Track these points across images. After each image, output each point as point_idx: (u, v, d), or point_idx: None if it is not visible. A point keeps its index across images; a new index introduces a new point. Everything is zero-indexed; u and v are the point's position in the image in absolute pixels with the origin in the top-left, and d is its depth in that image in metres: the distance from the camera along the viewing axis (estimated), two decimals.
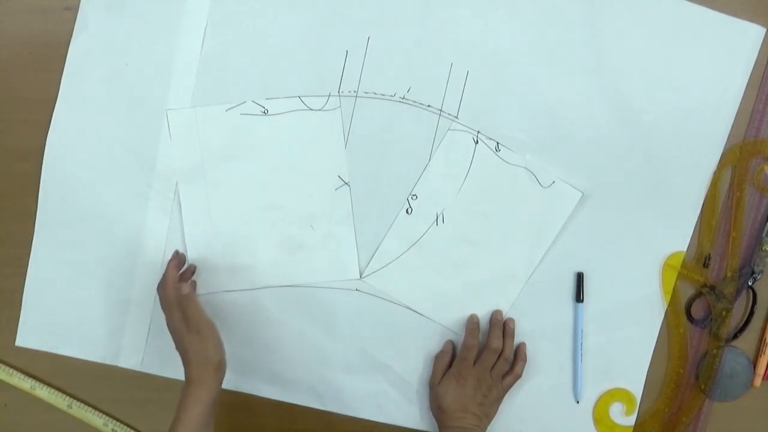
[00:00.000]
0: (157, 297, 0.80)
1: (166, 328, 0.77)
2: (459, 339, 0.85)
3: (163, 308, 0.78)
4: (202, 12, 0.81)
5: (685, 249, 0.84)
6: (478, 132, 0.83)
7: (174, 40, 0.82)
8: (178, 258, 0.82)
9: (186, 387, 0.74)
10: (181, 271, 0.81)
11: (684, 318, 0.85)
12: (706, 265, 0.85)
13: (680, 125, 0.82)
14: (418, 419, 0.87)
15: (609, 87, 0.82)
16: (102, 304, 0.85)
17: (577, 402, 0.86)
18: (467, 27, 0.82)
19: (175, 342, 0.76)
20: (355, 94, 0.82)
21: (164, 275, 0.79)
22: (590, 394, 0.86)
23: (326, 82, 0.82)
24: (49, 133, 0.83)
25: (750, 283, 0.84)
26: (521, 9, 0.81)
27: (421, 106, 0.82)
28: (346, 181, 0.84)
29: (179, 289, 0.76)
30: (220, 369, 0.74)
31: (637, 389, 0.86)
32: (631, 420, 0.87)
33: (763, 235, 0.84)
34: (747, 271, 0.84)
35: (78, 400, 0.86)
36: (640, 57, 0.82)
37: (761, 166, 0.84)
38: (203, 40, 0.82)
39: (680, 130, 0.82)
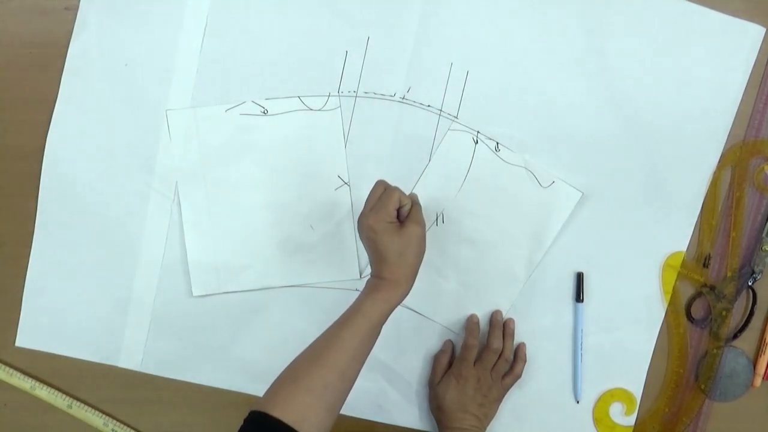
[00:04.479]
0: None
1: (360, 230, 0.74)
2: (459, 339, 0.85)
3: (367, 203, 0.73)
4: (202, 12, 0.82)
5: (685, 249, 0.84)
6: (478, 132, 0.83)
7: (174, 40, 0.82)
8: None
9: (376, 285, 0.71)
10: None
11: (684, 318, 0.85)
12: (706, 265, 0.85)
13: (680, 125, 0.82)
14: (418, 419, 0.87)
15: (609, 87, 0.82)
16: (102, 304, 0.85)
17: (577, 402, 0.86)
18: (467, 27, 0.81)
19: (367, 239, 0.72)
20: (354, 94, 0.82)
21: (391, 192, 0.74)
22: (590, 394, 0.86)
23: (326, 82, 0.82)
24: (49, 133, 0.83)
25: (750, 283, 0.84)
26: (521, 9, 0.81)
27: (421, 106, 0.82)
28: (346, 181, 0.84)
29: (413, 195, 0.74)
30: (416, 273, 0.73)
31: (637, 389, 0.86)
32: (631, 420, 0.87)
33: (763, 235, 0.83)
34: (747, 271, 0.84)
35: (78, 400, 0.86)
36: (640, 57, 0.82)
37: (761, 166, 0.84)
38: (203, 40, 0.82)
39: (680, 130, 0.82)
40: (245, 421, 0.64)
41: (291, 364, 0.68)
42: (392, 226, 0.72)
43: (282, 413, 0.62)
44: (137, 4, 0.81)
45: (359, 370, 0.70)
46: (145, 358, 0.86)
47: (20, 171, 0.84)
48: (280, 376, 0.67)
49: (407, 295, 0.72)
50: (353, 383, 0.69)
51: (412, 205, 0.74)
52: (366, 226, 0.71)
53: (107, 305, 0.85)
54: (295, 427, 0.62)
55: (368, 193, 0.75)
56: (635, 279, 0.85)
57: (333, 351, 0.67)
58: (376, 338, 0.71)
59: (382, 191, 0.74)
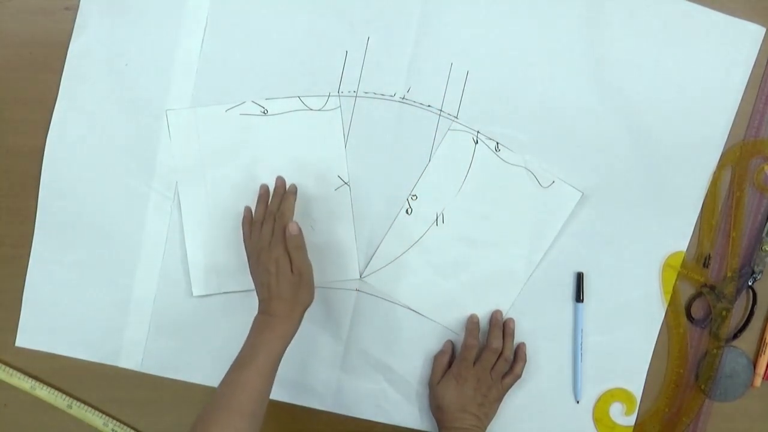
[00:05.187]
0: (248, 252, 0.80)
1: (249, 267, 0.78)
2: (459, 339, 0.85)
3: (258, 244, 0.77)
4: (202, 12, 0.82)
5: (685, 249, 0.84)
6: (478, 132, 0.83)
7: (174, 40, 0.82)
8: (286, 192, 0.81)
9: (269, 322, 0.74)
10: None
11: (684, 318, 0.85)
12: (706, 265, 0.85)
13: (680, 125, 0.82)
14: (418, 419, 0.87)
15: (609, 87, 0.82)
16: (102, 304, 0.85)
17: (577, 402, 0.86)
18: (467, 27, 0.81)
19: (262, 277, 0.75)
20: (354, 94, 0.82)
21: (272, 210, 0.78)
22: (590, 394, 0.86)
23: (326, 82, 0.82)
24: (49, 133, 0.83)
25: (750, 283, 0.84)
26: (521, 9, 0.81)
27: (421, 106, 0.82)
28: (346, 181, 0.83)
29: (292, 229, 0.75)
30: (306, 309, 0.76)
31: (637, 389, 0.86)
32: (631, 420, 0.87)
33: (763, 235, 0.83)
34: (747, 271, 0.84)
35: (78, 400, 0.86)
36: (640, 57, 0.82)
37: (761, 166, 0.84)
38: (203, 40, 0.82)
39: (680, 130, 0.82)
40: None
41: (200, 415, 0.69)
42: (288, 261, 0.75)
43: None
44: (137, 4, 0.81)
45: (266, 406, 0.72)
46: (145, 358, 0.86)
47: (20, 171, 0.84)
48: (192, 429, 0.69)
49: (296, 332, 0.75)
50: (262, 419, 0.71)
51: (296, 249, 0.75)
52: (272, 259, 0.74)
53: (107, 305, 0.85)
54: None
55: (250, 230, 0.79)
56: (635, 279, 0.85)
57: (240, 395, 0.69)
58: (276, 373, 0.73)
59: (273, 223, 0.76)
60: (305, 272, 0.75)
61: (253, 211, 0.81)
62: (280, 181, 0.81)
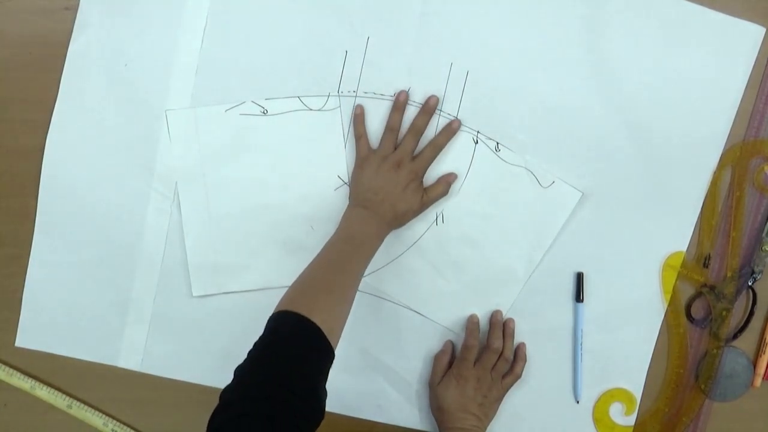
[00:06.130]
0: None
1: (361, 179, 0.80)
2: (459, 339, 0.85)
3: (396, 153, 0.79)
4: (202, 12, 0.81)
5: (685, 249, 0.84)
6: (478, 132, 0.83)
7: (174, 40, 0.82)
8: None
9: (374, 219, 0.77)
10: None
11: (684, 318, 0.85)
12: (706, 265, 0.85)
13: (680, 125, 0.82)
14: (418, 419, 0.87)
15: (609, 87, 0.82)
16: (102, 304, 0.85)
17: (577, 402, 0.86)
18: (467, 27, 0.81)
19: (386, 182, 0.78)
20: (354, 94, 0.82)
21: (418, 127, 0.81)
22: (590, 394, 0.86)
23: (326, 82, 0.82)
24: (49, 133, 0.83)
25: (750, 283, 0.84)
26: (521, 9, 0.81)
27: (420, 106, 0.82)
28: (346, 181, 0.83)
29: (452, 178, 0.82)
30: (390, 232, 0.80)
31: (637, 389, 0.86)
32: (631, 420, 0.87)
33: (763, 235, 0.83)
34: (747, 271, 0.84)
35: (78, 400, 0.86)
36: (640, 57, 0.81)
37: (761, 166, 0.84)
38: (203, 40, 0.82)
39: (680, 130, 0.82)
40: (283, 320, 0.65)
41: (317, 274, 0.71)
42: (421, 187, 0.80)
43: (321, 322, 0.64)
44: (137, 4, 0.81)
45: None
46: (145, 358, 0.86)
47: (20, 171, 0.84)
48: (309, 283, 0.70)
49: None
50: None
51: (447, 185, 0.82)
52: (410, 177, 0.78)
53: (107, 305, 0.85)
54: (328, 337, 0.64)
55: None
56: (635, 279, 0.85)
57: (356, 271, 0.73)
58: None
59: (416, 139, 0.80)
60: (426, 206, 0.81)
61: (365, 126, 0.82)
62: (433, 99, 0.81)
